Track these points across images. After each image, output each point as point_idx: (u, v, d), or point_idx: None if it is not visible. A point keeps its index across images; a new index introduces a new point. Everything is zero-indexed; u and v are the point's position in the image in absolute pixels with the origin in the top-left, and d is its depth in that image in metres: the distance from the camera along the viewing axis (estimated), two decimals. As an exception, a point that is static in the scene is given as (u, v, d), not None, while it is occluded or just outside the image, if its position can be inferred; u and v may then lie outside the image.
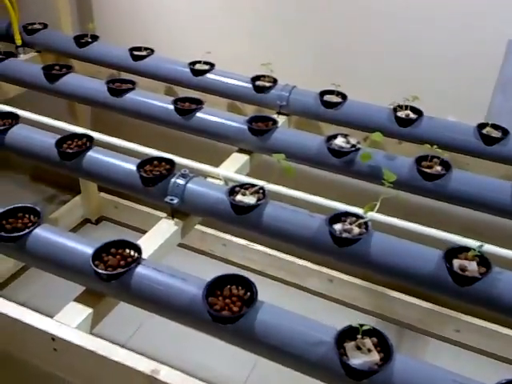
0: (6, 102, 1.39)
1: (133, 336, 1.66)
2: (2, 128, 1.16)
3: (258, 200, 1.02)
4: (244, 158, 1.32)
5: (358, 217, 0.97)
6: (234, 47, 1.72)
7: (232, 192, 1.04)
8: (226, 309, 0.78)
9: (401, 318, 1.75)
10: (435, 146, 1.12)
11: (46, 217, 2.06)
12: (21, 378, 1.47)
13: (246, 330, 0.77)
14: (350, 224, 0.96)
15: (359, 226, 0.96)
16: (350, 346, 0.75)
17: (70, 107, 1.89)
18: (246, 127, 1.29)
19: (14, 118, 1.21)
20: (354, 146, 1.20)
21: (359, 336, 0.76)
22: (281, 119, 1.42)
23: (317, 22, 1.58)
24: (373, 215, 0.97)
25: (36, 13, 1.80)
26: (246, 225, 1.02)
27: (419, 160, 1.15)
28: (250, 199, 1.03)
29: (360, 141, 1.23)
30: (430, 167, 1.14)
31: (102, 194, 2.14)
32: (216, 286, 0.82)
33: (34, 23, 1.71)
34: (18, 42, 1.67)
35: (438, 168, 1.13)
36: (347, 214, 0.98)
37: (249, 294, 0.81)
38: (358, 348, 0.74)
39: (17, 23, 1.65)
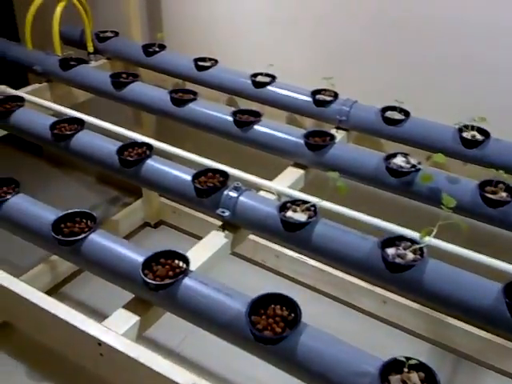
0: (75, 107, 1.46)
1: (182, 342, 1.68)
2: (68, 133, 1.21)
3: (309, 217, 1.00)
4: (299, 172, 1.30)
5: (413, 242, 0.93)
6: (296, 60, 1.71)
7: (283, 208, 1.03)
8: (269, 329, 0.77)
9: (458, 347, 1.66)
10: (501, 171, 1.06)
11: (109, 218, 2.14)
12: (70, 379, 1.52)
13: (287, 352, 0.76)
14: (405, 249, 0.93)
15: (414, 251, 0.92)
16: (394, 379, 0.71)
17: (136, 114, 1.95)
18: (302, 142, 1.27)
19: (80, 124, 1.26)
20: (414, 166, 1.16)
21: (405, 369, 0.72)
22: (339, 134, 1.40)
23: (384, 38, 1.54)
24: (429, 241, 0.93)
25: (108, 21, 1.87)
26: (295, 242, 1.01)
27: (483, 184, 1.09)
28: (301, 216, 1.01)
29: (421, 161, 1.18)
30: (495, 193, 1.07)
31: (162, 199, 2.19)
32: (260, 304, 0.81)
33: (106, 31, 1.78)
34: (90, 49, 1.75)
35: (503, 194, 1.07)
36: (402, 238, 0.94)
37: (293, 315, 0.79)
38: (404, 383, 0.71)
39: (90, 31, 1.73)
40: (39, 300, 0.90)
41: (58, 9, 1.60)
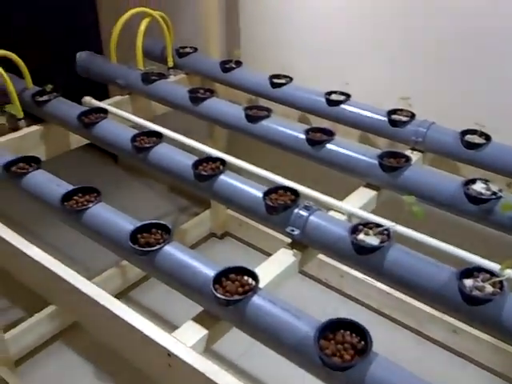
0: (152, 120, 1.52)
1: (242, 356, 1.68)
2: (147, 146, 1.26)
3: (382, 241, 0.98)
4: (371, 193, 1.28)
5: (492, 274, 0.88)
6: (372, 79, 1.69)
7: (355, 230, 1.02)
8: (338, 355, 0.76)
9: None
10: None
11: (177, 227, 2.19)
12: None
13: (356, 381, 0.74)
14: (483, 281, 0.88)
15: (493, 284, 0.87)
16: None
17: (209, 127, 2.00)
18: (376, 162, 1.25)
19: (158, 137, 1.30)
20: (495, 193, 1.10)
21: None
22: (414, 156, 1.36)
23: (464, 58, 1.49)
24: (510, 274, 0.88)
25: (189, 37, 1.94)
26: (366, 266, 0.98)
27: None
28: (373, 240, 0.99)
29: (502, 188, 1.13)
30: None
31: (229, 211, 2.23)
32: (329, 328, 0.80)
33: (186, 47, 1.84)
34: (170, 63, 1.81)
35: None
36: (480, 270, 0.90)
37: (363, 343, 0.78)
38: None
39: (171, 46, 1.79)
40: (110, 304, 0.93)
41: (143, 25, 1.68)
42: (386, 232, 1.00)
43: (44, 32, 2.81)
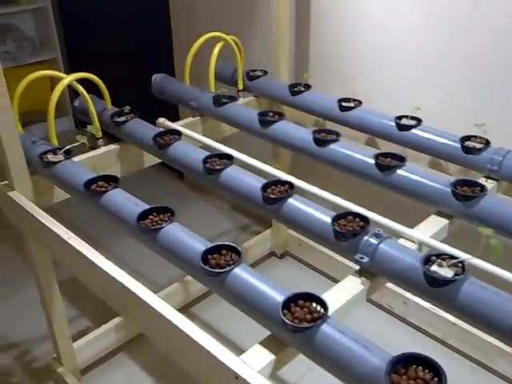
0: (220, 140, 1.56)
1: (301, 379, 1.67)
2: (218, 168, 1.29)
3: (456, 274, 0.95)
4: (442, 222, 1.25)
5: None
6: (445, 104, 1.66)
7: (427, 261, 0.99)
8: (409, 391, 0.74)
9: None
10: None
11: (239, 245, 2.21)
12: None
13: (428, 419, 0.72)
14: None
15: None
16: None
17: (274, 148, 2.03)
18: (449, 190, 1.22)
19: (229, 159, 1.33)
20: None
21: None
22: (489, 184, 1.32)
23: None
24: None
25: (259, 60, 1.98)
26: (438, 299, 0.96)
27: None
28: (447, 272, 0.96)
29: None
30: None
31: (290, 231, 2.23)
32: (401, 362, 0.78)
33: (256, 70, 1.88)
34: (240, 86, 1.86)
35: None
36: None
37: (436, 379, 0.75)
38: None
39: (241, 69, 1.84)
40: (178, 320, 0.95)
41: (216, 49, 1.73)
42: (460, 264, 0.97)
43: (122, 56, 2.97)
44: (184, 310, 1.97)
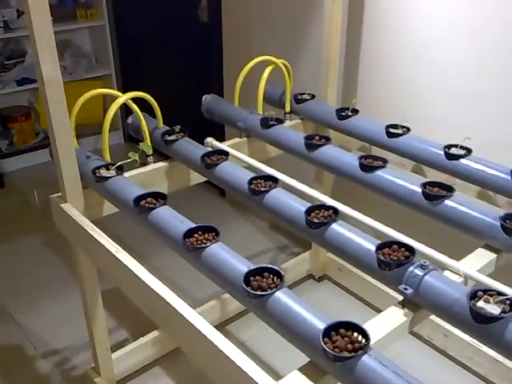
0: (264, 162, 1.58)
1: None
2: (263, 190, 1.30)
3: (503, 311, 0.92)
4: (490, 256, 1.22)
5: None
6: (495, 136, 1.62)
7: (473, 296, 0.97)
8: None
9: None
10: None
11: (277, 265, 2.21)
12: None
13: None
14: None
15: None
16: None
17: (317, 171, 2.03)
18: (498, 224, 1.19)
19: (274, 181, 1.35)
20: None
21: None
22: (541, 220, 1.28)
23: None
24: None
25: (307, 84, 2.00)
26: (484, 335, 0.93)
27: None
28: (494, 308, 0.94)
29: None
30: None
31: (329, 254, 2.21)
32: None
33: (304, 93, 1.90)
34: (288, 109, 1.88)
35: None
36: None
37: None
38: None
39: (289, 92, 1.86)
40: (214, 337, 0.96)
41: (266, 72, 1.76)
42: (508, 301, 0.94)
43: (174, 75, 3.06)
44: (221, 327, 1.98)
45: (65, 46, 3.24)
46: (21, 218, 2.81)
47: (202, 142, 1.67)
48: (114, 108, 1.42)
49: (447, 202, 1.27)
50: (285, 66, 1.81)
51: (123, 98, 1.44)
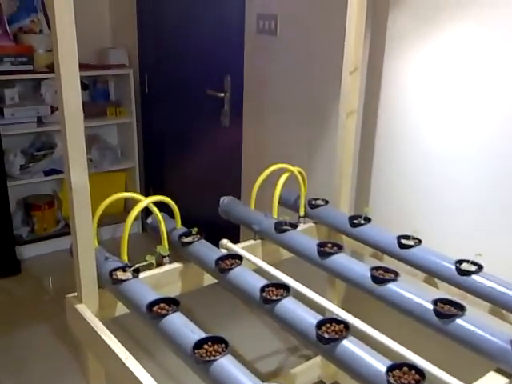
0: (276, 265, 1.60)
1: None
2: (274, 298, 1.32)
3: None
4: (502, 381, 1.19)
5: None
6: (508, 253, 1.64)
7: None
8: None
9: None
10: None
11: (287, 369, 2.17)
12: None
13: None
14: None
15: None
16: None
17: (329, 277, 2.04)
18: (509, 347, 1.18)
19: (286, 290, 1.36)
20: None
21: None
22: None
23: None
24: None
25: (321, 190, 2.07)
26: None
27: None
28: None
29: None
30: None
31: (341, 362, 2.16)
32: None
33: (318, 199, 1.96)
34: (302, 213, 1.93)
35: None
36: None
37: None
38: None
39: (304, 198, 1.92)
40: None
41: (282, 179, 1.84)
42: None
43: (194, 175, 3.21)
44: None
45: (93, 140, 3.41)
46: (34, 305, 2.83)
47: (218, 240, 1.71)
48: (135, 211, 1.48)
49: (458, 321, 1.27)
50: (300, 173, 1.89)
51: (145, 201, 1.51)
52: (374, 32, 1.93)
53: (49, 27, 3.13)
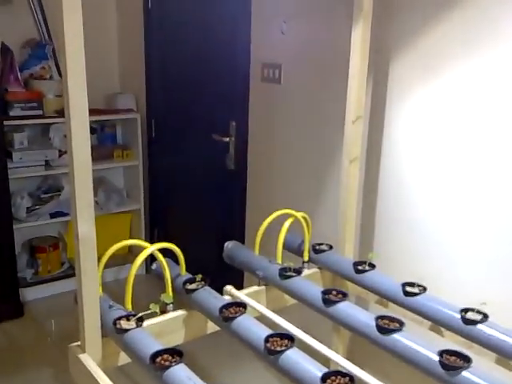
0: (280, 311, 1.59)
1: None
2: (278, 349, 1.31)
3: None
4: None
5: None
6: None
7: None
8: None
9: None
10: None
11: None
12: None
13: None
14: None
15: None
16: None
17: (335, 326, 2.02)
18: (518, 400, 1.16)
19: (291, 340, 1.35)
20: None
21: None
22: None
23: None
24: None
25: (325, 235, 2.08)
26: None
27: None
28: None
29: None
30: None
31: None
32: None
33: (322, 244, 1.96)
34: (306, 258, 1.93)
35: None
36: None
37: None
38: None
39: (308, 243, 1.93)
40: None
41: (286, 224, 1.85)
42: None
43: (198, 219, 3.24)
44: None
45: (99, 183, 3.46)
46: (35, 349, 2.80)
47: (222, 285, 1.71)
48: (140, 259, 1.49)
49: (464, 373, 1.26)
50: (304, 218, 1.90)
51: (150, 248, 1.53)
52: (376, 80, 1.98)
53: (59, 73, 3.22)
